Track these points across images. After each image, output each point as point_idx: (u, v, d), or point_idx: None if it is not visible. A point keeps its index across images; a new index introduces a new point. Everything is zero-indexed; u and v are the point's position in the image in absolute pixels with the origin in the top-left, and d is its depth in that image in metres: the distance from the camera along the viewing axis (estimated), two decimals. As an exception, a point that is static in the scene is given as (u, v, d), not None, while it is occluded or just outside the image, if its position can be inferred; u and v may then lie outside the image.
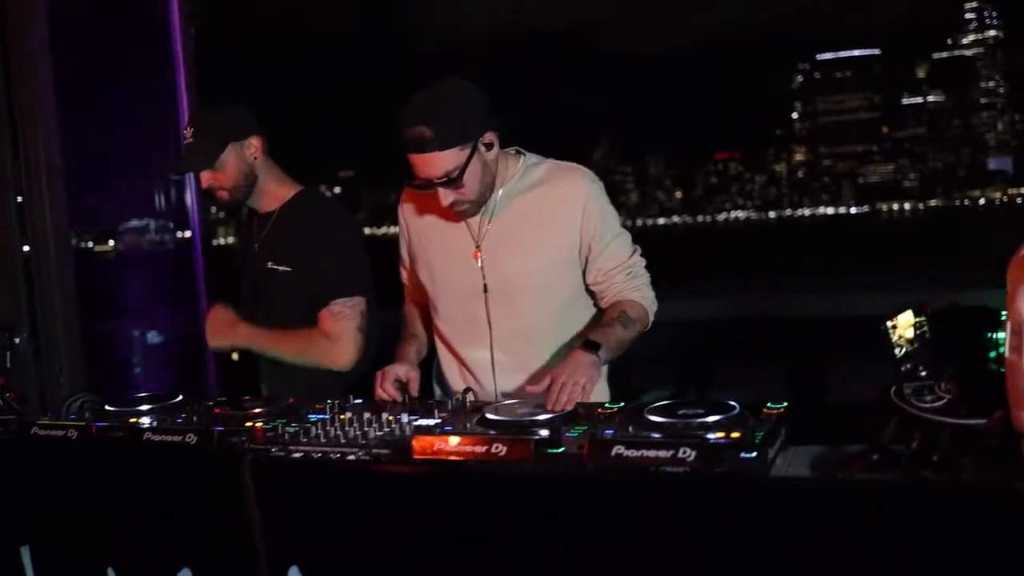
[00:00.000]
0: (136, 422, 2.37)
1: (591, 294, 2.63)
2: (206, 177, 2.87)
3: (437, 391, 2.77)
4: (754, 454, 1.74)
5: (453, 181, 2.39)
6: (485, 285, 2.57)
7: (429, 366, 2.77)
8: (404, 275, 2.86)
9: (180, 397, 2.56)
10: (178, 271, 5.48)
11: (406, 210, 2.74)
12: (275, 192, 2.97)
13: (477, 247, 2.57)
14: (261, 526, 1.97)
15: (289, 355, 2.86)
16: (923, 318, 2.03)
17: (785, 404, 2.05)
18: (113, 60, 5.38)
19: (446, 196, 2.43)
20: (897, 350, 1.98)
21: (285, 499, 1.98)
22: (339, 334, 2.80)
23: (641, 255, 2.63)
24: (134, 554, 2.17)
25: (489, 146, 2.45)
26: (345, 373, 2.80)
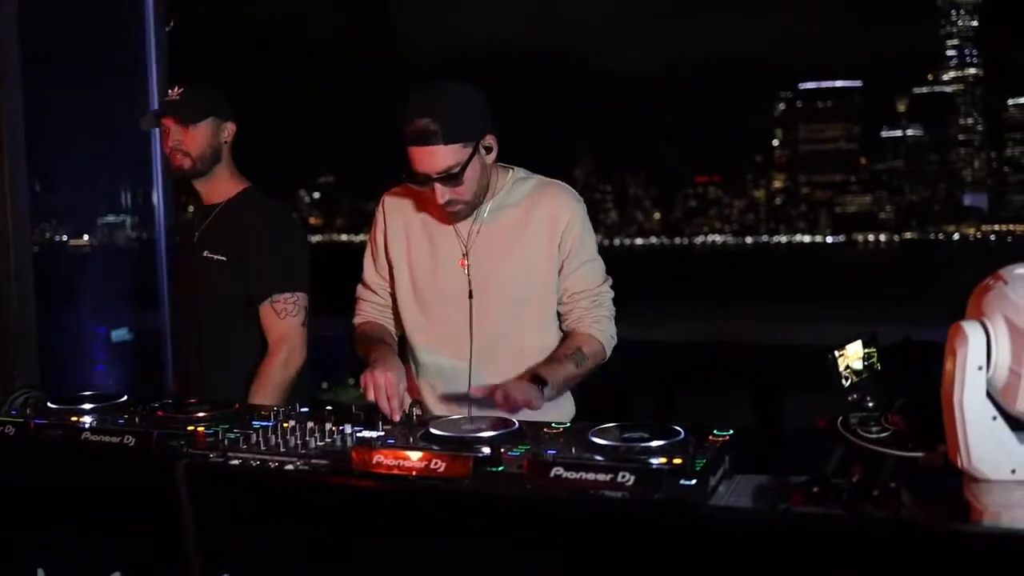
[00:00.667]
0: (77, 421, 2.33)
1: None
2: (177, 132, 2.91)
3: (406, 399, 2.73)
4: (694, 481, 1.73)
5: (452, 178, 2.38)
6: (471, 292, 2.55)
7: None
8: (367, 280, 2.75)
9: (124, 397, 2.52)
10: (146, 269, 5.44)
11: (389, 213, 2.67)
12: (226, 183, 3.03)
13: (464, 254, 2.56)
14: (194, 532, 1.93)
15: (276, 396, 2.84)
16: (872, 349, 2.03)
17: (731, 432, 2.04)
18: (89, 52, 5.35)
19: (442, 193, 2.41)
20: (844, 380, 1.98)
21: (220, 506, 1.94)
22: (288, 333, 2.89)
23: (611, 287, 2.63)
24: (66, 555, 2.12)
25: (489, 149, 2.46)
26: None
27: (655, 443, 1.88)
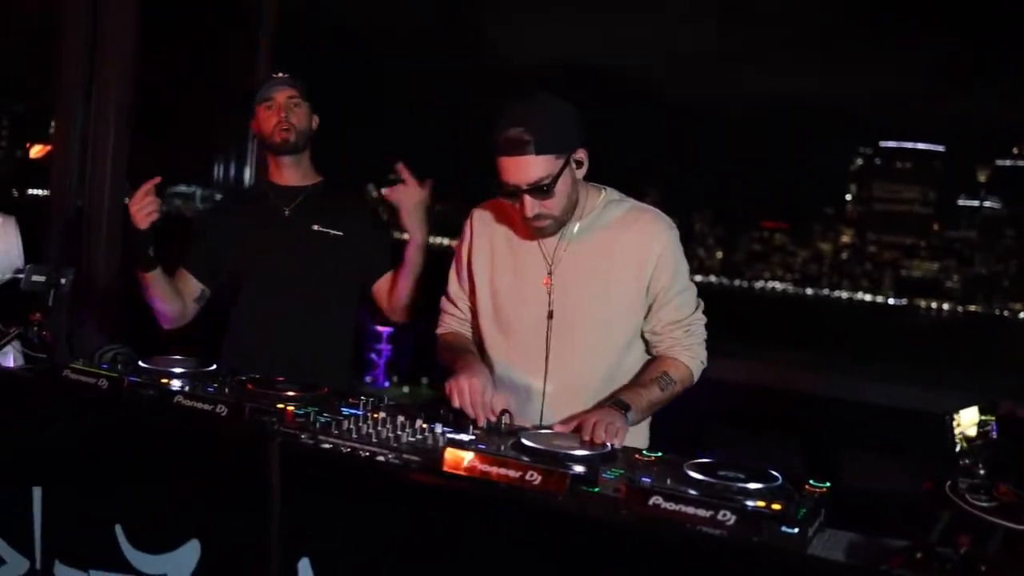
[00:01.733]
0: (167, 383, 2.34)
1: (645, 340, 2.57)
2: (288, 106, 3.04)
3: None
4: (796, 530, 1.68)
5: (542, 190, 2.34)
6: (551, 312, 2.51)
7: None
8: (455, 298, 2.73)
9: (214, 366, 2.53)
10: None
11: (476, 227, 2.65)
12: (309, 169, 3.17)
13: (549, 274, 2.52)
14: (279, 512, 1.93)
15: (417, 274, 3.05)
16: (990, 416, 1.97)
17: (828, 484, 1.99)
18: (198, 26, 5.43)
19: (531, 206, 2.37)
20: (955, 445, 1.92)
21: (308, 489, 1.93)
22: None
23: (704, 312, 2.58)
24: (145, 515, 2.13)
25: (580, 164, 2.41)
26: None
27: (754, 485, 1.84)
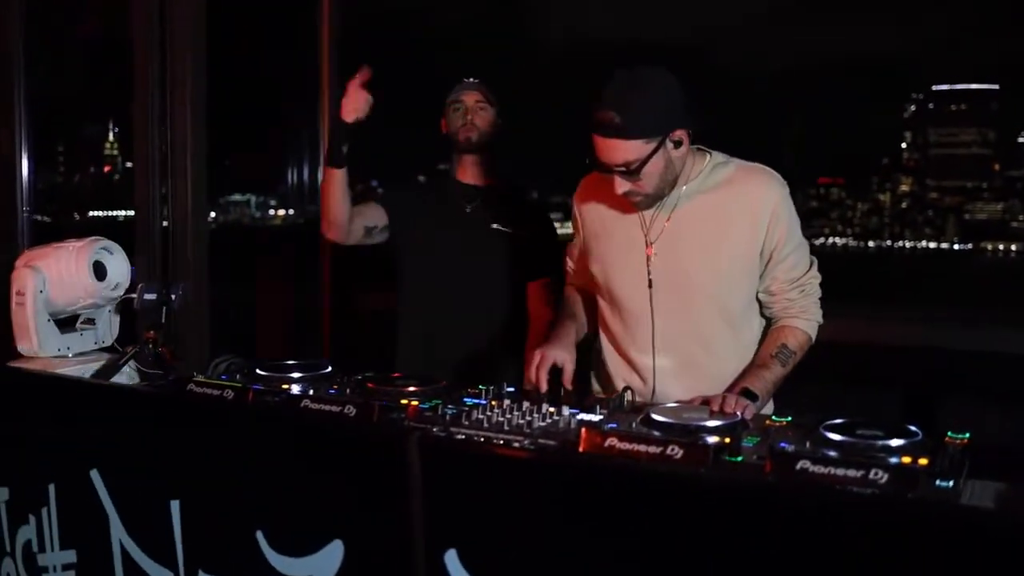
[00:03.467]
0: (289, 388, 2.38)
1: (759, 302, 2.55)
2: (475, 108, 3.24)
3: (595, 386, 2.73)
4: (950, 483, 1.66)
5: (631, 172, 2.35)
6: (650, 281, 2.51)
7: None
8: (570, 263, 2.83)
9: (329, 368, 2.57)
10: (287, 246, 5.56)
11: (581, 202, 2.69)
12: (489, 170, 3.33)
13: (649, 243, 2.51)
14: (422, 507, 1.94)
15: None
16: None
17: (967, 435, 1.96)
18: (262, 35, 5.48)
19: (621, 184, 2.39)
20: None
21: (449, 482, 1.94)
22: (548, 312, 3.12)
23: (818, 269, 2.55)
24: (285, 519, 2.16)
25: (678, 144, 2.38)
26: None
27: (896, 442, 1.82)
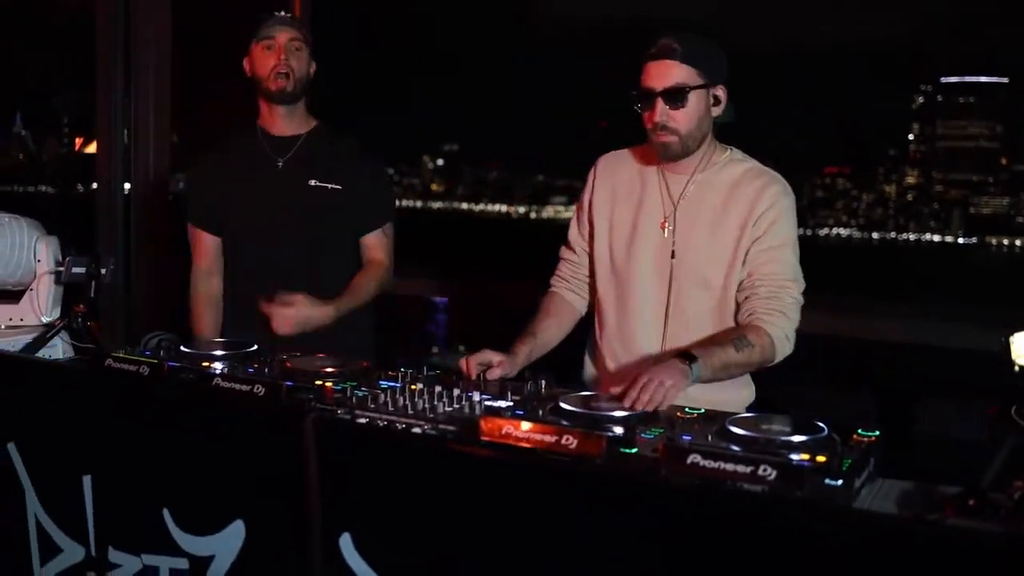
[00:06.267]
0: (209, 366, 2.35)
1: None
2: (298, 47, 2.91)
3: (591, 371, 2.74)
4: (840, 482, 1.64)
5: (676, 96, 2.40)
6: (673, 252, 2.52)
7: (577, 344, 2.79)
8: (566, 253, 2.79)
9: (255, 346, 2.54)
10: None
11: (600, 174, 2.69)
12: (302, 117, 3.02)
13: (666, 218, 2.54)
14: (319, 488, 1.92)
15: (366, 300, 2.99)
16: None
17: (876, 432, 1.94)
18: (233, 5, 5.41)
19: (662, 111, 2.42)
20: (1017, 367, 1.85)
21: (346, 464, 1.92)
22: (390, 260, 3.06)
23: (800, 294, 2.48)
24: (191, 498, 2.14)
25: (717, 101, 2.47)
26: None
27: (797, 438, 1.79)
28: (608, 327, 2.65)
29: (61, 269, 2.73)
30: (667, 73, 2.41)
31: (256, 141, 3.00)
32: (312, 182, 2.94)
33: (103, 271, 2.73)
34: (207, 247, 3.05)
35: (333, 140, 3.04)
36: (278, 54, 2.87)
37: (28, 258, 2.80)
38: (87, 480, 2.30)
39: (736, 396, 2.54)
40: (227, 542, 2.06)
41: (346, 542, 1.88)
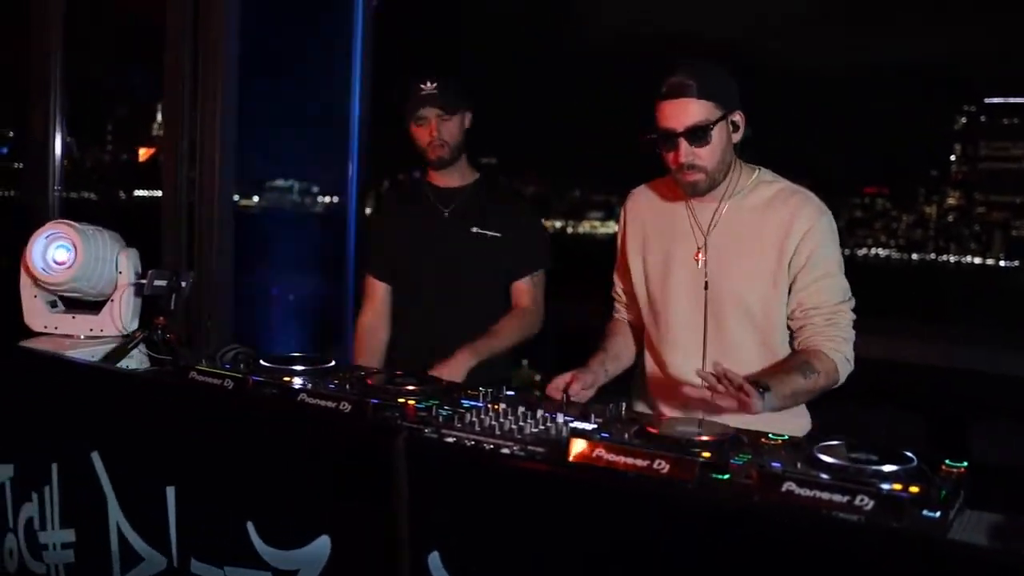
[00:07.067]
0: (290, 381, 2.38)
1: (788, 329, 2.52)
2: (445, 118, 3.12)
3: (635, 405, 2.76)
4: (937, 513, 1.63)
5: (699, 134, 2.37)
6: (706, 283, 2.51)
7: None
8: (618, 283, 2.83)
9: (333, 362, 2.57)
10: (326, 235, 5.56)
11: (630, 211, 2.71)
12: (465, 170, 3.25)
13: (699, 248, 2.52)
14: (408, 506, 1.94)
15: (511, 344, 3.16)
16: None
17: (965, 464, 1.93)
18: (296, 21, 5.49)
19: (686, 152, 2.39)
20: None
21: (435, 482, 1.94)
22: (539, 304, 3.22)
23: (854, 310, 2.49)
24: (275, 512, 2.17)
25: (736, 127, 2.44)
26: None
27: (889, 467, 1.79)
28: (650, 363, 2.68)
29: (143, 282, 2.78)
30: (685, 111, 2.38)
31: (424, 194, 3.28)
32: (474, 229, 3.18)
33: (183, 284, 2.78)
34: (379, 295, 3.34)
35: (493, 191, 3.29)
36: (431, 131, 3.13)
37: (110, 270, 2.87)
38: (171, 491, 2.34)
39: (796, 424, 2.54)
40: (312, 557, 2.08)
41: (435, 561, 1.90)
